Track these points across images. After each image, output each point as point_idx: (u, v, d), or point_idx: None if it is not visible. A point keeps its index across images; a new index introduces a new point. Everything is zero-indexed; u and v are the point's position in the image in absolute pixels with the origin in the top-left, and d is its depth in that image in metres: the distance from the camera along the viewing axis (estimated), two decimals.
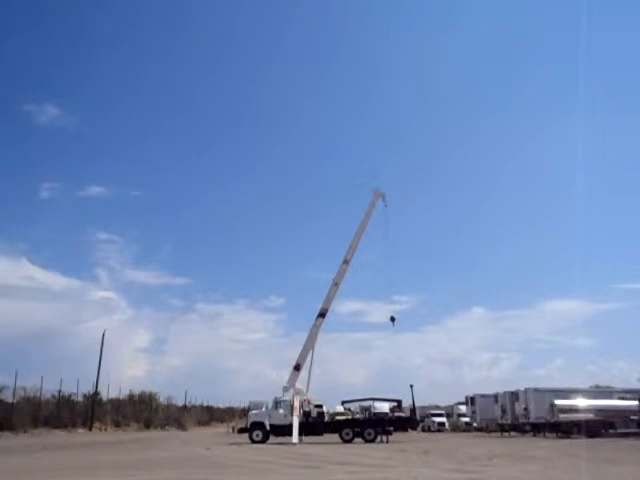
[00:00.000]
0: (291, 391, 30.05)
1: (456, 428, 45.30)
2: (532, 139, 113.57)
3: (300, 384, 30.36)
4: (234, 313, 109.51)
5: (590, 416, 30.68)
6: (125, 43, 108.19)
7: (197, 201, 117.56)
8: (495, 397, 39.56)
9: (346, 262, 32.83)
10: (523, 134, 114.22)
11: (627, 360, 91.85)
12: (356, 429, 29.92)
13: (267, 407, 30.54)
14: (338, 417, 35.31)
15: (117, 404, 48.61)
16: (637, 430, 29.93)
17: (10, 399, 35.96)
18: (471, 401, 43.74)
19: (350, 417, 36.90)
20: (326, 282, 33.32)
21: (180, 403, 61.97)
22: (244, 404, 61.94)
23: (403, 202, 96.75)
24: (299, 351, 31.40)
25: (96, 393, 44.52)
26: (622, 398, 33.23)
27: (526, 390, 35.15)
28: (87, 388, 44.87)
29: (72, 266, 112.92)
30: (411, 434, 35.45)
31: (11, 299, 76.90)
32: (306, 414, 29.99)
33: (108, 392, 47.53)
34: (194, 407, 65.88)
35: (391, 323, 32.03)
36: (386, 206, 34.24)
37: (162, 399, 56.06)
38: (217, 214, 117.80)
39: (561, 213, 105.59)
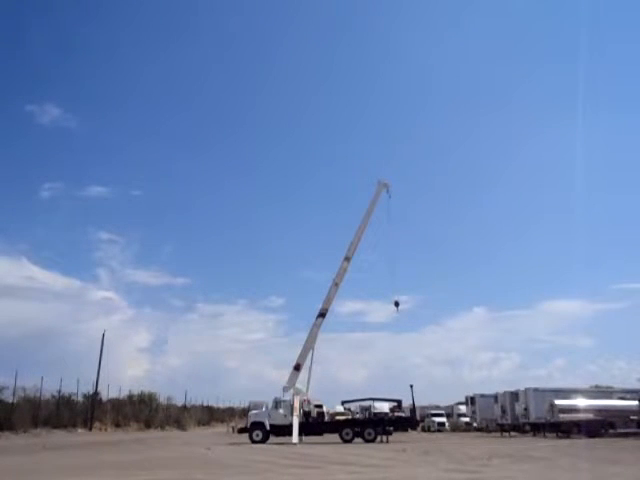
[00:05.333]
0: (291, 391, 30.03)
1: (456, 428, 45.28)
2: (532, 139, 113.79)
3: (300, 384, 30.34)
4: (234, 313, 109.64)
5: (590, 416, 30.67)
6: (126, 43, 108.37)
7: (197, 201, 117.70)
8: (495, 397, 39.59)
9: (347, 259, 32.69)
10: (523, 134, 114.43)
11: (627, 360, 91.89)
12: (356, 429, 29.91)
13: (267, 407, 30.55)
14: (338, 417, 35.31)
15: (117, 404, 48.54)
16: (637, 430, 29.92)
17: (10, 399, 35.93)
18: (471, 401, 43.77)
19: (350, 417, 36.91)
20: (326, 282, 33.30)
21: (180, 403, 61.94)
22: (244, 404, 62.07)
23: (403, 202, 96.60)
24: (299, 351, 31.40)
25: (96, 393, 44.48)
26: (622, 398, 33.23)
27: (526, 390, 35.17)
28: (87, 388, 44.84)
29: (72, 266, 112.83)
30: (411, 434, 35.45)
31: (11, 299, 76.93)
32: (306, 414, 29.98)
33: (108, 392, 47.52)
34: (194, 407, 65.78)
35: (395, 308, 32.06)
36: (390, 197, 34.14)
37: (162, 399, 56.00)
38: (217, 214, 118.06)
39: (561, 213, 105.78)
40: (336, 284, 32.37)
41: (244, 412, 50.15)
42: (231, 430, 42.19)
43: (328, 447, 24.27)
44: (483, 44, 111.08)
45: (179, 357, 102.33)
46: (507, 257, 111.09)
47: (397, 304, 31.96)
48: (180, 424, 53.65)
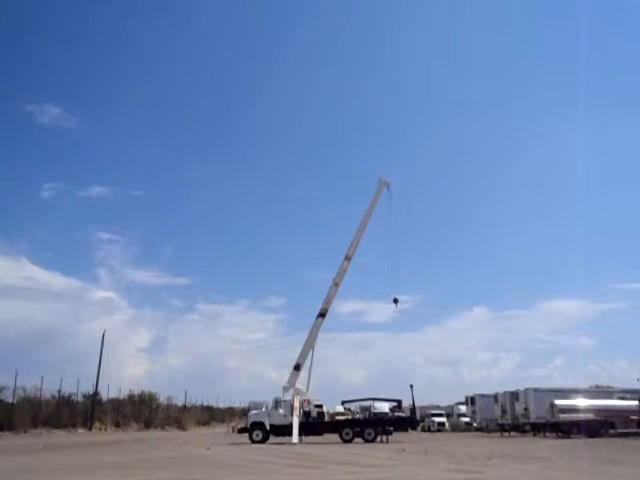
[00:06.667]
0: (291, 391, 30.01)
1: (456, 428, 45.25)
2: (532, 139, 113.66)
3: (300, 384, 30.30)
4: (234, 313, 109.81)
5: (590, 416, 30.67)
6: (126, 43, 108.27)
7: (197, 201, 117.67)
8: (495, 397, 39.55)
9: (347, 258, 32.55)
10: (524, 134, 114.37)
11: (627, 360, 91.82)
12: (356, 429, 29.87)
13: (267, 407, 30.52)
14: (338, 417, 35.30)
15: (117, 404, 48.58)
16: (637, 430, 29.93)
17: (10, 399, 35.96)
18: (471, 401, 43.73)
19: (350, 417, 36.89)
20: (326, 282, 33.18)
21: (180, 403, 61.99)
22: (244, 404, 62.03)
23: (402, 202, 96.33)
24: (299, 351, 31.36)
25: (96, 393, 44.52)
26: (622, 398, 33.21)
27: (526, 390, 35.14)
28: (87, 388, 44.92)
29: (72, 266, 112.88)
30: (411, 434, 35.43)
31: (11, 299, 76.93)
32: (306, 414, 29.98)
33: (108, 392, 47.59)
34: (194, 407, 65.83)
35: (394, 305, 31.93)
36: (391, 196, 33.77)
37: (162, 399, 56.05)
38: (218, 214, 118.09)
39: (561, 213, 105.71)
40: (336, 284, 32.29)
41: (244, 412, 50.10)
42: (231, 430, 42.18)
43: (328, 447, 24.27)
44: (483, 44, 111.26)
45: (179, 357, 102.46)
46: (507, 257, 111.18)
47: (396, 301, 31.84)
48: (180, 424, 53.67)
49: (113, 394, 48.66)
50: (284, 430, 28.15)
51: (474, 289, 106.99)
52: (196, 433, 46.88)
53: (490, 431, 39.50)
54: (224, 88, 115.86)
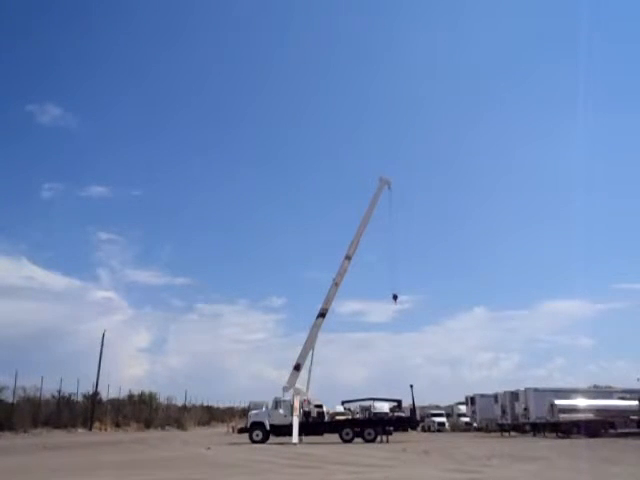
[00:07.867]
0: (291, 391, 30.00)
1: (456, 428, 45.24)
2: (533, 139, 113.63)
3: (300, 384, 30.30)
4: (234, 313, 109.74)
5: (590, 416, 30.67)
6: (126, 43, 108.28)
7: (197, 201, 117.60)
8: (495, 397, 39.55)
9: (348, 258, 32.51)
10: (524, 134, 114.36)
11: (627, 360, 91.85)
12: (356, 429, 29.87)
13: (267, 407, 30.55)
14: (338, 417, 35.32)
15: (117, 404, 48.61)
16: (637, 430, 29.91)
17: (10, 399, 35.99)
18: (471, 401, 43.72)
19: (350, 417, 36.90)
20: (326, 282, 33.14)
21: (180, 403, 62.08)
22: (244, 404, 62.06)
23: (403, 202, 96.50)
24: (299, 351, 31.36)
25: (96, 393, 44.53)
26: (622, 398, 33.20)
27: (526, 390, 35.14)
28: (87, 388, 44.97)
29: (72, 266, 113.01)
30: (411, 434, 35.45)
31: (11, 299, 76.91)
32: (306, 414, 29.97)
33: (108, 392, 47.62)
34: (194, 407, 65.87)
35: (393, 302, 31.97)
36: (391, 194, 33.68)
37: (162, 399, 56.17)
38: (217, 214, 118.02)
39: (561, 213, 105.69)
40: (336, 284, 32.25)
41: (244, 412, 50.15)
42: (231, 430, 42.19)
43: (328, 447, 24.27)
44: (484, 43, 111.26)
45: (179, 357, 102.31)
46: (507, 257, 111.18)
47: (395, 297, 31.85)
48: (180, 424, 53.69)
49: (113, 394, 48.78)
50: (284, 430, 28.13)
51: (474, 289, 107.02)
52: (196, 433, 46.87)
53: (490, 431, 39.47)
54: (224, 88, 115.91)
